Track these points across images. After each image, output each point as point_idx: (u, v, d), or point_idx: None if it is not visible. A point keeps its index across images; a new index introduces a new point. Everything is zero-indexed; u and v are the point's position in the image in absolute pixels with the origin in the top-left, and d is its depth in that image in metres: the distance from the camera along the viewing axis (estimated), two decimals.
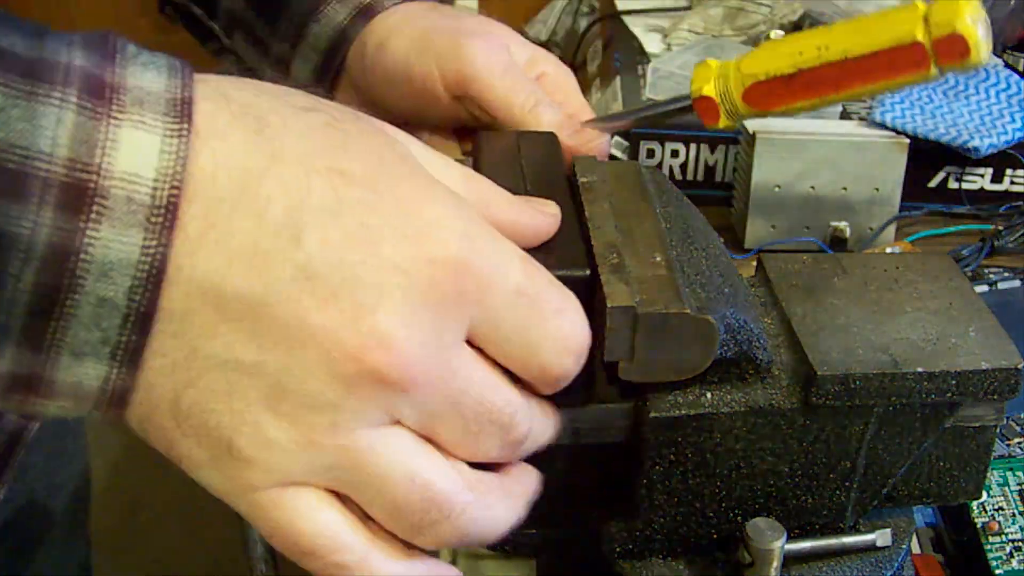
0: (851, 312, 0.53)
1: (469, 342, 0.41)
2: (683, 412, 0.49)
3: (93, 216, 0.34)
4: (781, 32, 1.17)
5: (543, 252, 0.47)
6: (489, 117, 0.67)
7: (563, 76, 0.72)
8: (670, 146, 1.01)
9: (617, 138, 1.01)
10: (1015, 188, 1.00)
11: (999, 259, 0.94)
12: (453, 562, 0.59)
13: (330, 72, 0.73)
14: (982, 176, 1.00)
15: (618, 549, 0.53)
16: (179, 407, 0.38)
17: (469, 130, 0.71)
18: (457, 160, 0.46)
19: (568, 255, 0.48)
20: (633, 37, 1.23)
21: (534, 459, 0.52)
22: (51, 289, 0.34)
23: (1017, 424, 0.73)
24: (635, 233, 0.51)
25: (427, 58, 0.67)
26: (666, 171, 1.01)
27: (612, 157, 1.01)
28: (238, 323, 0.37)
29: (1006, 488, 0.68)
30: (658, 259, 0.49)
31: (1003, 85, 1.04)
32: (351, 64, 0.72)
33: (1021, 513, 0.66)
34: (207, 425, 0.38)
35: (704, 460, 0.51)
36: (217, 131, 0.37)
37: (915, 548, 0.67)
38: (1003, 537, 0.65)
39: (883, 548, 0.54)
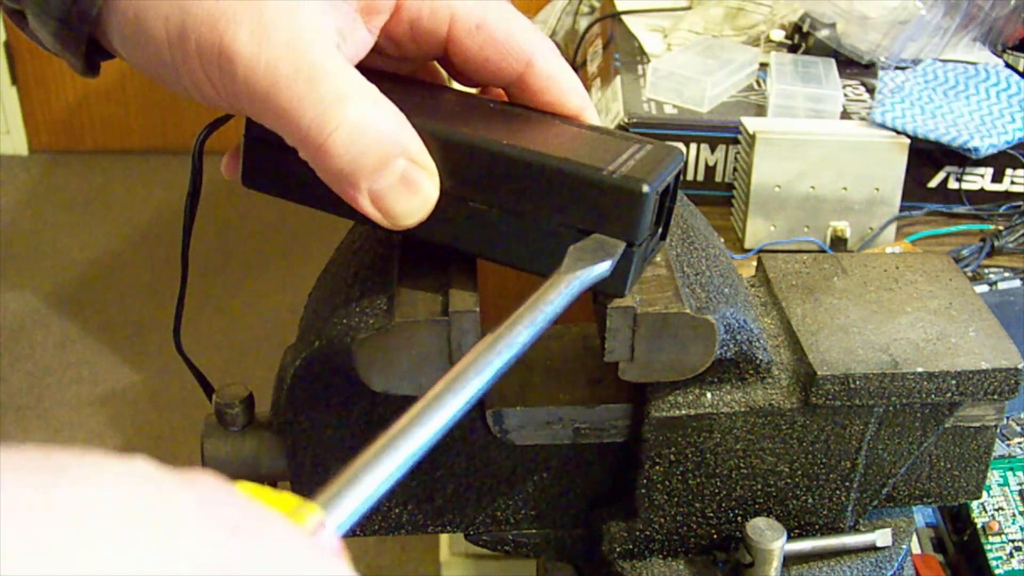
0: (851, 312, 0.53)
1: None
2: (683, 412, 0.49)
3: None
4: (781, 32, 1.17)
5: None
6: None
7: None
8: None
9: None
10: (1015, 188, 1.00)
11: (999, 259, 0.94)
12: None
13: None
14: (982, 176, 1.00)
15: (618, 549, 0.53)
16: None
17: None
18: None
19: None
20: (633, 37, 1.23)
21: (535, 459, 0.52)
22: None
23: (1017, 424, 0.73)
24: None
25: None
26: None
27: None
28: None
29: (1006, 488, 0.68)
30: (658, 259, 0.49)
31: (1003, 85, 1.04)
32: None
33: (1021, 513, 0.66)
34: None
35: (704, 460, 0.51)
36: None
37: (915, 548, 0.67)
38: (1003, 537, 0.65)
39: (883, 548, 0.54)
